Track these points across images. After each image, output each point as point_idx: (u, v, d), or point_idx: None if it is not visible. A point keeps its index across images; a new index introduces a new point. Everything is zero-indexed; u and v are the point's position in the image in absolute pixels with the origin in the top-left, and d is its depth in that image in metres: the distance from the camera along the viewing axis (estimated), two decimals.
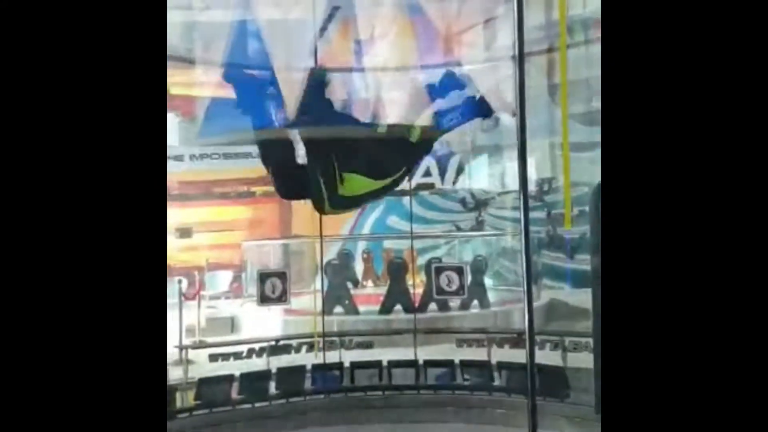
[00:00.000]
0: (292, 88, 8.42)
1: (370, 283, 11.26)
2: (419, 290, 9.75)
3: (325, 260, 9.01)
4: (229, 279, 12.89)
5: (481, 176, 14.42)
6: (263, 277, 7.35)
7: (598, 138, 1.93)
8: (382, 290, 9.57)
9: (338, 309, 9.03)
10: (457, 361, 6.66)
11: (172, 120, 11.03)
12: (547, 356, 6.67)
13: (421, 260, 10.70)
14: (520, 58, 2.64)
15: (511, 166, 12.80)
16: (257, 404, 6.05)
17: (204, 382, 6.10)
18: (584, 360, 6.32)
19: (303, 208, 12.81)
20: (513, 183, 12.77)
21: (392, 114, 11.15)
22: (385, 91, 10.24)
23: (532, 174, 12.05)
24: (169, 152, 12.24)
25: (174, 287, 8.37)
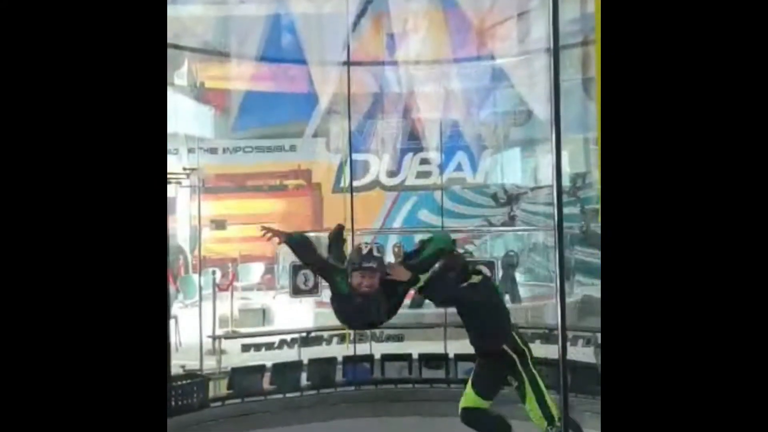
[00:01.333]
0: (325, 81, 8.51)
1: None
2: None
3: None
4: (261, 271, 13.03)
5: (514, 171, 14.30)
6: (296, 269, 7.41)
7: None
8: None
9: None
10: None
11: (207, 113, 11.19)
12: (579, 352, 6.62)
13: None
14: (555, 52, 2.62)
15: (544, 160, 12.69)
16: (288, 394, 6.10)
17: (236, 372, 6.17)
18: None
19: (335, 201, 12.91)
20: (546, 178, 12.65)
21: (424, 108, 11.16)
22: (418, 85, 10.27)
23: (566, 169, 11.92)
24: (204, 145, 12.44)
25: (208, 278, 8.51)
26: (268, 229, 3.80)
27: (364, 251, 3.44)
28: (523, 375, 3.88)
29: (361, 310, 3.47)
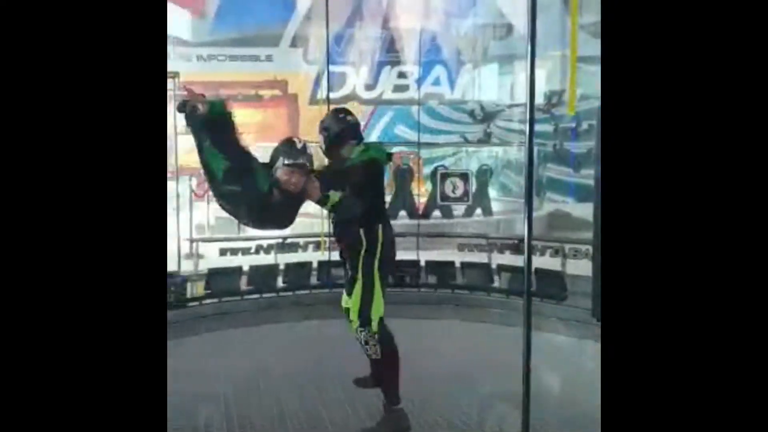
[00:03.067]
0: None
1: None
2: (423, 199, 9.91)
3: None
4: None
5: (491, 87, 14.27)
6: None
7: None
8: (388, 197, 9.72)
9: None
10: (458, 263, 6.88)
11: (184, 15, 10.87)
12: (547, 262, 6.89)
13: (427, 170, 10.81)
14: None
15: (522, 77, 12.65)
16: (265, 295, 6.30)
17: (214, 273, 6.33)
18: (583, 267, 6.54)
19: (311, 113, 12.81)
20: (523, 95, 12.66)
21: (403, 18, 10.95)
22: None
23: (542, 86, 11.92)
24: (179, 51, 12.14)
25: (184, 185, 8.55)
26: (190, 90, 3.09)
27: (299, 145, 3.10)
28: (360, 270, 3.51)
29: (275, 209, 3.14)
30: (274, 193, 3.08)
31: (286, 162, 3.06)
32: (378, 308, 3.54)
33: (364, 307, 3.52)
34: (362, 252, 3.52)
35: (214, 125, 3.02)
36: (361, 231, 3.52)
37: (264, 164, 3.14)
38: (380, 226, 3.56)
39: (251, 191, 3.06)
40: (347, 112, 3.82)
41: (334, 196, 3.36)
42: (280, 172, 3.06)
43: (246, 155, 3.12)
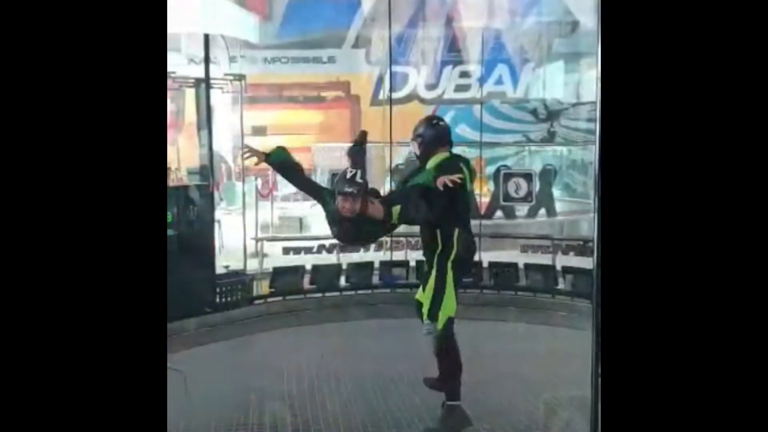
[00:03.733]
0: None
1: None
2: (486, 199, 9.82)
3: (393, 164, 9.15)
4: None
5: (556, 85, 14.00)
6: (334, 177, 7.54)
7: None
8: None
9: None
10: (521, 264, 6.79)
11: (251, 20, 11.09)
12: None
13: (490, 170, 10.70)
14: None
15: (588, 74, 12.37)
16: (327, 294, 6.37)
17: (278, 272, 6.44)
18: None
19: (373, 113, 12.88)
20: (588, 93, 12.39)
21: (466, 16, 10.86)
22: None
23: None
24: (247, 53, 12.40)
25: (250, 185, 8.75)
26: (249, 149, 3.77)
27: (348, 176, 3.47)
28: (434, 268, 3.75)
29: (347, 230, 3.58)
30: (337, 217, 3.52)
31: (338, 191, 3.47)
32: (447, 307, 3.73)
33: (434, 303, 3.72)
34: (437, 252, 3.74)
35: (280, 167, 3.74)
36: (438, 232, 3.75)
37: (330, 191, 3.60)
38: (456, 229, 3.75)
39: (327, 215, 3.60)
40: (439, 118, 4.13)
41: (395, 210, 3.57)
42: (337, 200, 3.47)
43: (314, 186, 3.78)
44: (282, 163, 3.71)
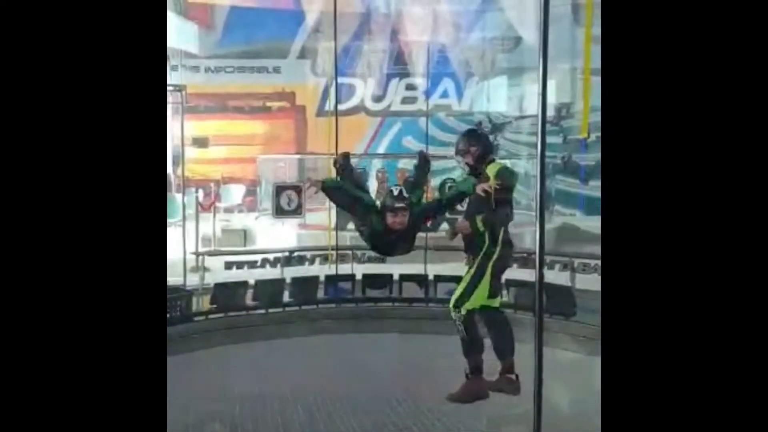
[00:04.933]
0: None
1: None
2: None
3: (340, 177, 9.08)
4: (243, 193, 13.04)
5: (499, 99, 14.23)
6: (279, 189, 7.44)
7: None
8: None
9: (351, 225, 9.15)
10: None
11: (191, 29, 10.90)
12: (556, 276, 6.80)
13: (435, 182, 10.75)
14: None
15: (530, 89, 12.61)
16: (271, 310, 6.23)
17: (219, 287, 6.27)
18: (593, 281, 6.45)
19: (319, 124, 12.82)
20: (531, 107, 12.61)
21: (411, 31, 10.94)
22: (406, 6, 10.05)
23: (551, 98, 11.87)
24: (187, 62, 12.18)
25: (191, 198, 8.52)
26: (309, 180, 4.33)
27: (395, 193, 3.81)
28: (476, 264, 4.02)
29: (395, 244, 3.94)
30: (387, 232, 3.81)
31: (388, 207, 3.77)
32: (475, 300, 3.99)
33: (464, 293, 4.00)
34: (482, 251, 3.98)
35: (331, 192, 4.10)
36: (486, 234, 3.98)
37: (377, 210, 3.90)
38: (503, 232, 4.03)
39: (370, 231, 3.90)
40: (480, 129, 4.29)
41: (479, 222, 3.92)
42: (386, 217, 3.77)
43: (361, 204, 4.00)
44: (334, 186, 4.14)
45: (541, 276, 2.82)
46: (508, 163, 4.59)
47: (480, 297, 4.02)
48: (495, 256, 4.01)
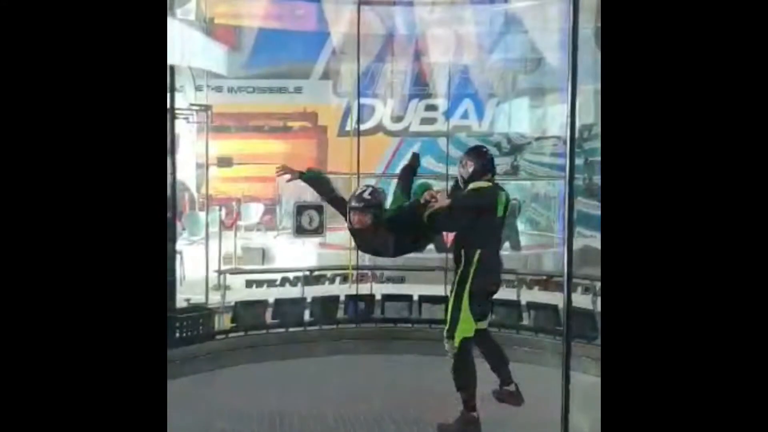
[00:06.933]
0: (337, 20, 8.41)
1: None
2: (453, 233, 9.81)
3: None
4: (261, 211, 13.13)
5: (520, 120, 14.22)
6: (300, 209, 7.48)
7: None
8: None
9: None
10: None
11: (218, 50, 11.06)
12: (577, 300, 6.73)
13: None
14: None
15: (551, 110, 12.60)
16: (291, 329, 6.24)
17: (240, 306, 6.30)
18: None
19: (340, 144, 12.88)
20: (551, 128, 12.60)
21: (434, 52, 11.01)
22: (429, 28, 10.13)
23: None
24: (212, 82, 12.35)
25: (213, 216, 8.61)
26: (284, 167, 4.09)
27: (357, 192, 3.87)
28: (454, 286, 3.94)
29: (367, 241, 3.93)
30: (354, 229, 3.84)
31: (349, 206, 3.83)
32: (463, 328, 3.87)
33: (452, 321, 3.90)
34: (459, 270, 3.92)
35: (313, 183, 4.13)
36: (462, 251, 3.92)
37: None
38: (478, 252, 3.89)
39: (350, 227, 3.90)
40: (485, 148, 4.47)
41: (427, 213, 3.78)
42: (350, 214, 3.82)
43: (340, 200, 4.03)
44: (315, 179, 4.15)
45: (568, 299, 2.78)
46: (510, 186, 4.62)
47: (466, 324, 3.88)
48: (469, 280, 3.87)
